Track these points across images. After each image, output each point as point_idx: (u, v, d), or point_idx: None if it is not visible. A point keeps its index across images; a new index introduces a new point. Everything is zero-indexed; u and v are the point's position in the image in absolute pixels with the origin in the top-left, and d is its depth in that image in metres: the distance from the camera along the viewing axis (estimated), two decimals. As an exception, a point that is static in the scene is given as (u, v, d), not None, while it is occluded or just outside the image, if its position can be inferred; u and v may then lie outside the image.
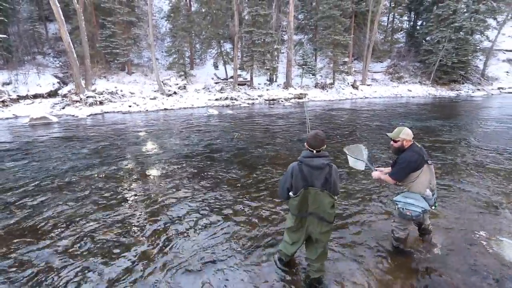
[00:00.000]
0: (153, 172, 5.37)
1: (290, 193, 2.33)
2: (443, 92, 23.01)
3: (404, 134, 2.71)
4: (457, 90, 23.42)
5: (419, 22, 28.01)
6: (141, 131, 9.07)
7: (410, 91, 22.40)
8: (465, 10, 22.70)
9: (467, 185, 4.74)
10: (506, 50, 29.15)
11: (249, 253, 3.00)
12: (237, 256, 2.95)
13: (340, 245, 3.14)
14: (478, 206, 4.03)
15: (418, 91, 22.58)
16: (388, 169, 2.96)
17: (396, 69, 25.39)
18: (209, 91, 17.51)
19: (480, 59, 25.85)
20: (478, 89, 23.84)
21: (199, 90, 17.54)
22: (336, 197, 2.29)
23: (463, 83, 24.44)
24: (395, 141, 2.78)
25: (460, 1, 22.35)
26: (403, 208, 2.71)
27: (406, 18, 30.10)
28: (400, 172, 2.69)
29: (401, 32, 30.39)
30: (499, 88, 24.51)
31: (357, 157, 3.21)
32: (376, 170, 3.04)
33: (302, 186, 2.24)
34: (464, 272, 2.75)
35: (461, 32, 22.00)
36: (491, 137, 8.24)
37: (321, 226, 2.30)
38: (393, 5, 27.14)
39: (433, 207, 2.76)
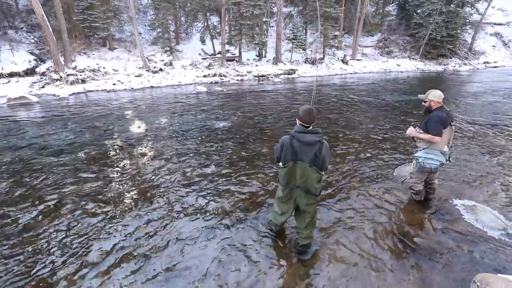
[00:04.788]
0: (142, 150, 5.33)
1: (280, 164, 2.41)
2: (431, 66, 23.14)
3: (431, 95, 3.07)
4: (444, 65, 23.58)
5: (411, -6, 27.26)
6: (127, 109, 8.84)
7: (399, 65, 22.39)
8: (457, -19, 22.19)
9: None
10: (494, 24, 29.17)
11: (240, 223, 3.12)
12: (228, 226, 3.07)
13: (329, 213, 3.31)
14: (458, 175, 4.27)
15: (407, 65, 22.60)
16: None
17: (386, 43, 25.09)
18: (197, 68, 16.94)
19: (468, 33, 25.82)
20: (465, 64, 24.07)
21: (186, 66, 16.94)
22: (323, 173, 2.35)
23: (450, 58, 24.56)
24: (424, 102, 3.13)
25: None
26: (423, 162, 3.07)
27: (398, -11, 29.16)
28: (436, 127, 2.95)
29: (393, 4, 29.63)
30: (484, 63, 24.81)
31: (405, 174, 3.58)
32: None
33: (291, 159, 2.30)
34: (442, 235, 2.98)
35: (452, 5, 21.68)
36: (473, 110, 8.51)
37: (307, 198, 2.40)
38: (385, -25, 26.21)
39: (447, 162, 3.13)
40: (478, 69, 23.11)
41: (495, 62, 25.26)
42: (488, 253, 2.70)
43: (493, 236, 2.94)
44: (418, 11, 23.96)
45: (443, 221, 3.20)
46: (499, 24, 29.44)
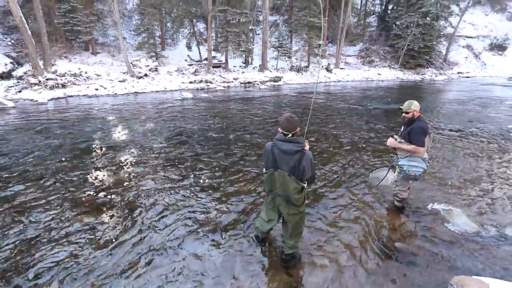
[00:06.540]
0: (125, 159, 5.22)
1: (264, 169, 2.45)
2: (410, 76, 24.24)
3: (414, 106, 3.15)
4: (422, 74, 24.80)
5: (390, 6, 28.70)
6: (109, 115, 8.62)
7: (380, 74, 23.30)
8: (432, -4, 23.61)
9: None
10: (466, 36, 31.11)
11: (225, 231, 3.11)
12: (213, 234, 3.05)
13: (311, 220, 3.36)
14: (434, 180, 4.48)
15: (387, 75, 23.56)
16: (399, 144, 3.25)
17: (368, 53, 26.10)
18: (183, 74, 16.85)
19: (443, 45, 27.38)
20: (440, 73, 25.44)
21: (171, 72, 16.81)
22: (305, 184, 2.30)
23: (427, 68, 25.89)
24: (407, 113, 3.18)
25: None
26: (408, 170, 3.17)
27: (378, 1, 30.65)
28: (420, 138, 3.07)
29: (373, 15, 31.00)
30: (458, 73, 26.36)
31: (380, 178, 3.69)
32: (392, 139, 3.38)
33: (271, 166, 2.33)
34: (420, 238, 3.11)
35: (427, 18, 22.98)
36: (451, 117, 8.98)
37: (288, 208, 2.40)
38: (366, -12, 27.46)
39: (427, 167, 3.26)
40: (452, 79, 24.45)
41: (467, 72, 26.87)
42: (464, 256, 2.84)
43: (467, 239, 3.10)
44: (397, 23, 25.19)
45: (421, 225, 3.33)
46: (470, 37, 31.43)
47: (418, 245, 3.00)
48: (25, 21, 11.78)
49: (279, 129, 2.31)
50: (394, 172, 3.53)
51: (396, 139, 3.28)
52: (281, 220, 2.65)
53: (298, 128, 2.28)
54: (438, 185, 4.33)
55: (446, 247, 2.96)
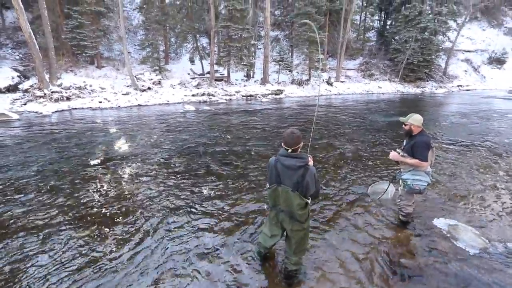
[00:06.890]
0: (130, 171, 5.22)
1: (267, 184, 2.43)
2: (410, 89, 24.46)
3: (412, 119, 3.18)
4: (422, 87, 25.02)
5: (389, 22, 29.36)
6: (112, 127, 8.70)
7: (380, 88, 23.53)
8: (429, 12, 24.22)
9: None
10: (465, 51, 31.61)
11: (228, 245, 3.06)
12: (216, 248, 3.00)
13: (313, 236, 3.31)
14: (439, 194, 4.43)
15: (388, 88, 23.78)
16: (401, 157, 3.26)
17: (368, 66, 26.47)
18: (185, 87, 17.11)
19: (442, 58, 27.78)
20: (440, 87, 25.66)
21: (174, 85, 17.07)
22: (309, 200, 2.28)
23: (427, 81, 26.15)
24: (405, 125, 3.23)
25: (425, 3, 23.88)
26: (412, 184, 3.15)
27: (377, 17, 31.36)
28: (424, 152, 3.08)
29: (372, 31, 31.66)
30: (458, 86, 26.58)
31: (381, 192, 3.67)
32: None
33: (275, 181, 2.31)
34: (426, 254, 3.04)
35: (426, 33, 23.43)
36: (454, 131, 8.98)
37: (292, 224, 2.36)
38: (365, 5, 28.19)
39: (431, 181, 3.26)
40: (452, 92, 24.62)
41: (467, 85, 27.10)
42: (471, 274, 2.77)
43: (475, 255, 3.02)
44: (396, 37, 25.68)
45: (427, 241, 3.27)
46: (469, 51, 31.95)
47: (424, 261, 2.93)
48: (33, 37, 12.13)
49: (282, 144, 2.30)
50: (399, 187, 3.50)
51: (399, 153, 3.27)
52: (284, 236, 2.60)
53: (302, 143, 2.28)
54: (443, 199, 4.27)
55: (453, 264, 2.89)
